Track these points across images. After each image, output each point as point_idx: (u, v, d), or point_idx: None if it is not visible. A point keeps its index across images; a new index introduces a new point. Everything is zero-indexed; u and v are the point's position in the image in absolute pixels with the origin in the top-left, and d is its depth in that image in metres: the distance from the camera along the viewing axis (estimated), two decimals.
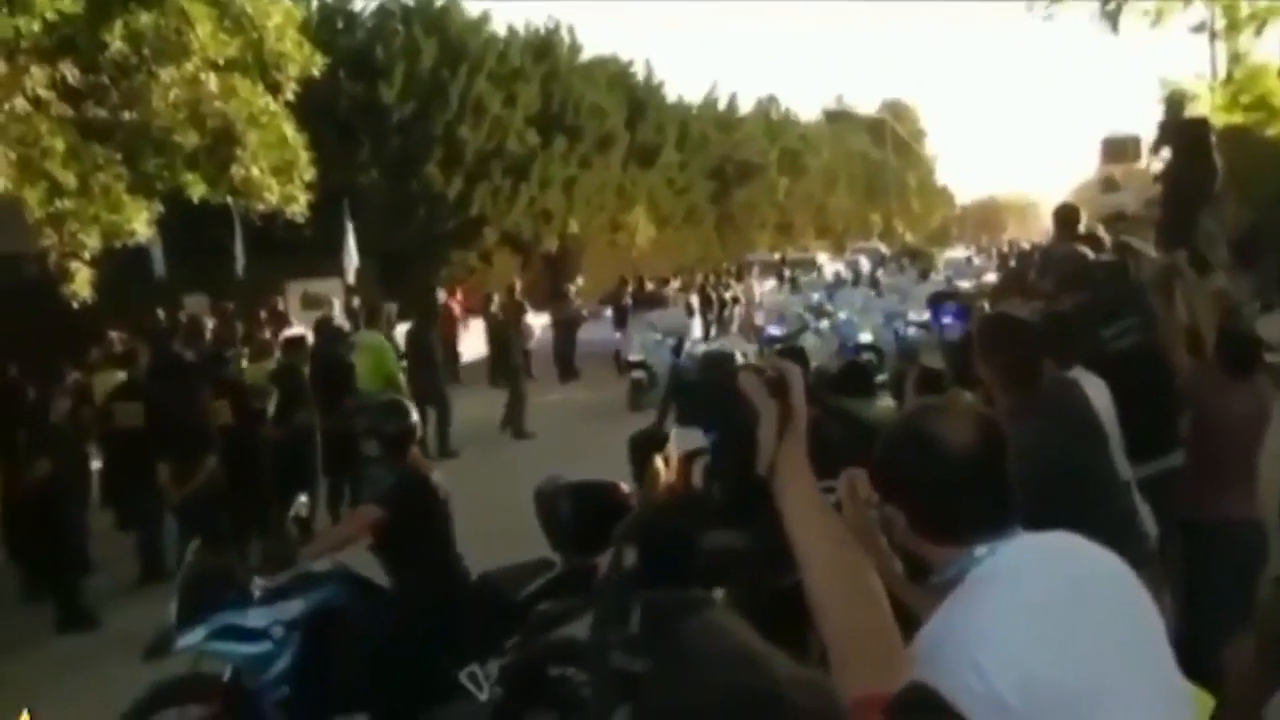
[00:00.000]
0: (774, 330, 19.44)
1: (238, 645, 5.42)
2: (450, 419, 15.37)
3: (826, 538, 1.80)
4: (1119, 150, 21.17)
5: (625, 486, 5.93)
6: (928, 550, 2.21)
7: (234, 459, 9.43)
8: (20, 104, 12.27)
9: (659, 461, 5.83)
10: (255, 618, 5.44)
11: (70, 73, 12.81)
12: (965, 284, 23.14)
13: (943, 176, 69.33)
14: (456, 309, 22.45)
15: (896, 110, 63.40)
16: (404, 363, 16.70)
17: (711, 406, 1.83)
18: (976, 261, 31.57)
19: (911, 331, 18.59)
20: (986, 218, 65.68)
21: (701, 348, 16.61)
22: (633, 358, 18.21)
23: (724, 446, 1.85)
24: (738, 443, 1.80)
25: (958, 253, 37.31)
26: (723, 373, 1.84)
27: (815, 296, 22.32)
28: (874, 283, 25.70)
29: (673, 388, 9.10)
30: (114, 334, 14.37)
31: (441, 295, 22.44)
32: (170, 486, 9.42)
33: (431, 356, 15.56)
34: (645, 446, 6.13)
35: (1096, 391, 4.13)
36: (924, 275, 21.68)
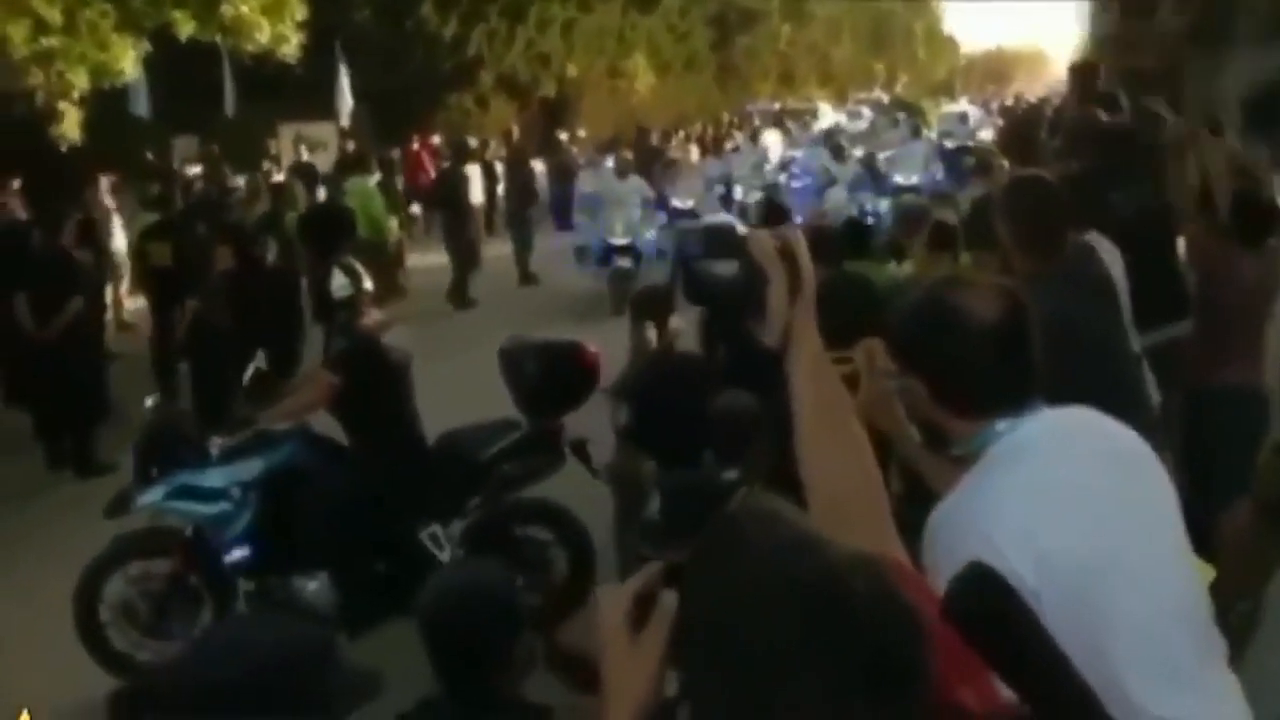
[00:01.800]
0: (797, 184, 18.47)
1: (196, 505, 5.43)
2: (474, 268, 15.22)
3: (830, 404, 1.76)
4: (1138, 4, 20.70)
5: (591, 348, 5.89)
6: (948, 422, 2.20)
7: (237, 303, 9.33)
8: None
9: (650, 326, 5.79)
10: (213, 478, 5.43)
11: None
12: (953, 145, 22.48)
13: (950, 25, 67.93)
14: (427, 157, 22.03)
15: None
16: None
17: (718, 280, 1.76)
18: (975, 115, 30.48)
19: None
20: (994, 69, 64.71)
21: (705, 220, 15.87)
22: (615, 241, 14.35)
23: (730, 313, 1.80)
24: (745, 310, 1.75)
25: (956, 107, 36.17)
26: (728, 245, 1.78)
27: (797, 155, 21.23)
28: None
29: (677, 263, 9.09)
30: (104, 177, 14.15)
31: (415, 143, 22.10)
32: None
33: (457, 201, 15.32)
34: (647, 306, 6.09)
35: (1111, 257, 4.06)
36: (915, 133, 21.02)
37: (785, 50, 46.17)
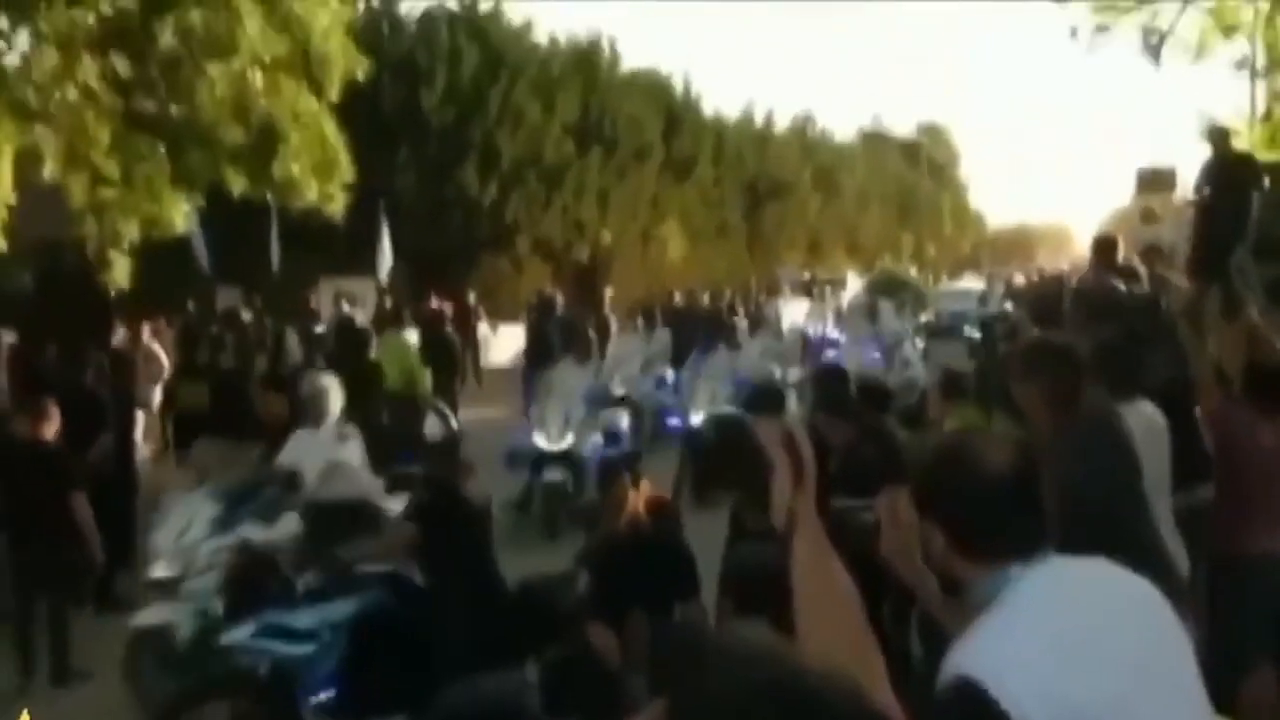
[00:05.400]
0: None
1: (284, 645, 5.44)
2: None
3: (834, 587, 1.85)
4: (1156, 182, 21.12)
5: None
6: (963, 569, 2.28)
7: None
8: (71, 94, 12.50)
9: (627, 485, 5.89)
10: (303, 618, 5.47)
11: (121, 65, 13.04)
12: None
13: (975, 201, 68.98)
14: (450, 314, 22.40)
15: (932, 133, 63.22)
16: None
17: (732, 469, 1.89)
18: (986, 290, 28.93)
19: None
20: (1018, 244, 65.50)
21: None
22: (541, 443, 10.87)
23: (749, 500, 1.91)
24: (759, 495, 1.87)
25: (964, 284, 34.52)
26: (740, 434, 1.90)
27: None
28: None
29: (689, 455, 9.18)
30: (147, 324, 14.54)
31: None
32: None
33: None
34: (615, 468, 6.24)
35: (1150, 420, 4.14)
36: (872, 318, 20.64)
37: (815, 220, 46.99)
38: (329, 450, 7.14)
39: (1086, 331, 5.53)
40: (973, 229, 67.54)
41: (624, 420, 11.94)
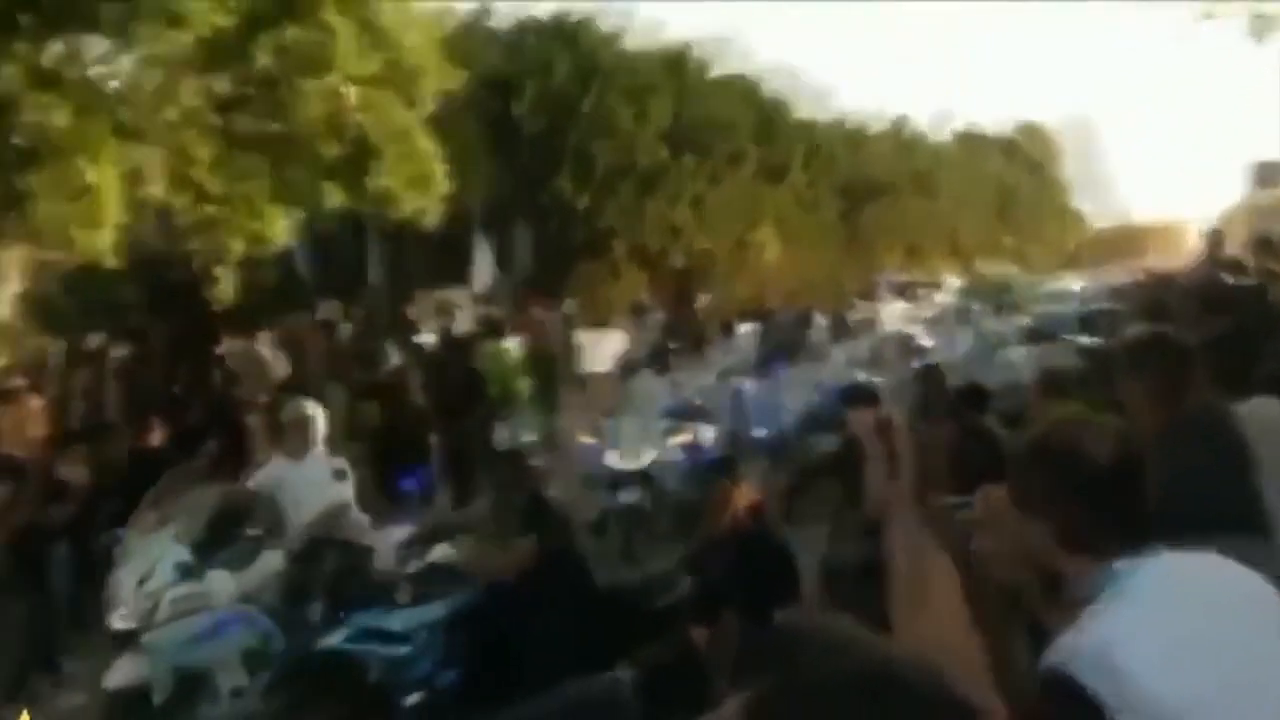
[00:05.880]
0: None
1: (379, 648, 5.52)
2: None
3: (932, 576, 1.81)
4: (1269, 175, 20.57)
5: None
6: (1066, 564, 2.21)
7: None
8: (172, 114, 12.80)
9: (730, 490, 5.88)
10: (399, 621, 5.55)
11: (219, 84, 13.34)
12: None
13: (1078, 200, 67.52)
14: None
15: (1030, 132, 62.11)
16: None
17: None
18: (1094, 289, 27.75)
19: None
20: (1125, 242, 64.04)
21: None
22: (615, 463, 10.38)
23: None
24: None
25: (1066, 283, 32.78)
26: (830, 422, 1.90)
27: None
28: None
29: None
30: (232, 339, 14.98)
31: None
32: None
33: None
34: (716, 470, 6.22)
35: (1267, 413, 3.99)
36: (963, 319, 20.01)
37: (912, 222, 46.47)
38: (324, 489, 6.75)
39: (1197, 325, 5.37)
40: (1076, 228, 66.18)
41: (708, 433, 11.12)
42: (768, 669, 1.33)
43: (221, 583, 6.15)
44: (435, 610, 5.65)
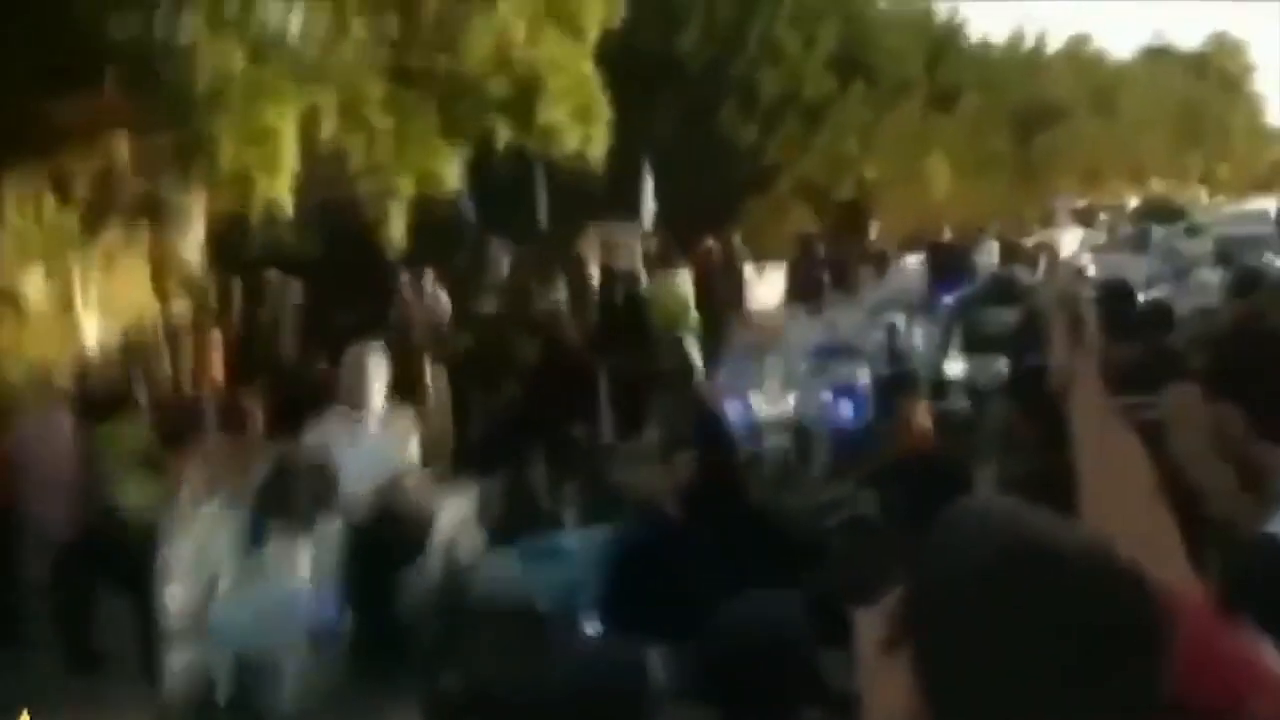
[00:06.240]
0: None
1: (548, 568, 5.60)
2: None
3: (1112, 448, 1.71)
4: None
5: None
6: (1269, 454, 2.08)
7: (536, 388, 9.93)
8: (346, 53, 13.10)
9: (914, 409, 5.77)
10: (565, 541, 5.63)
11: (389, 23, 13.57)
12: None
13: (1273, 116, 64.20)
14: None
15: (1222, 44, 59.08)
16: None
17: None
18: (1268, 210, 26.08)
19: None
20: None
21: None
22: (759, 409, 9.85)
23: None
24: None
25: (1256, 204, 29.80)
26: (1011, 293, 1.84)
27: None
28: None
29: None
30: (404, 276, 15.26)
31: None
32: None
33: None
34: (894, 388, 6.13)
35: None
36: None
37: (1091, 145, 44.84)
38: (386, 451, 6.17)
39: None
40: (1270, 147, 62.96)
41: (861, 375, 10.37)
42: (922, 548, 1.26)
43: (284, 555, 5.65)
44: (601, 533, 5.68)
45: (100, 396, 9.53)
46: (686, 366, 6.14)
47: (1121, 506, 1.64)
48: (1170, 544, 1.63)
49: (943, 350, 10.03)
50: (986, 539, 1.16)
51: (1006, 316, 8.60)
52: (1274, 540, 1.82)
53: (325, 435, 6.24)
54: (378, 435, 6.25)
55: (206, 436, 7.63)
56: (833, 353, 10.92)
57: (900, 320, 12.33)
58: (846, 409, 9.76)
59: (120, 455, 7.90)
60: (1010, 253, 21.88)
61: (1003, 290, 9.80)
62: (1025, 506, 1.23)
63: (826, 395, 10.03)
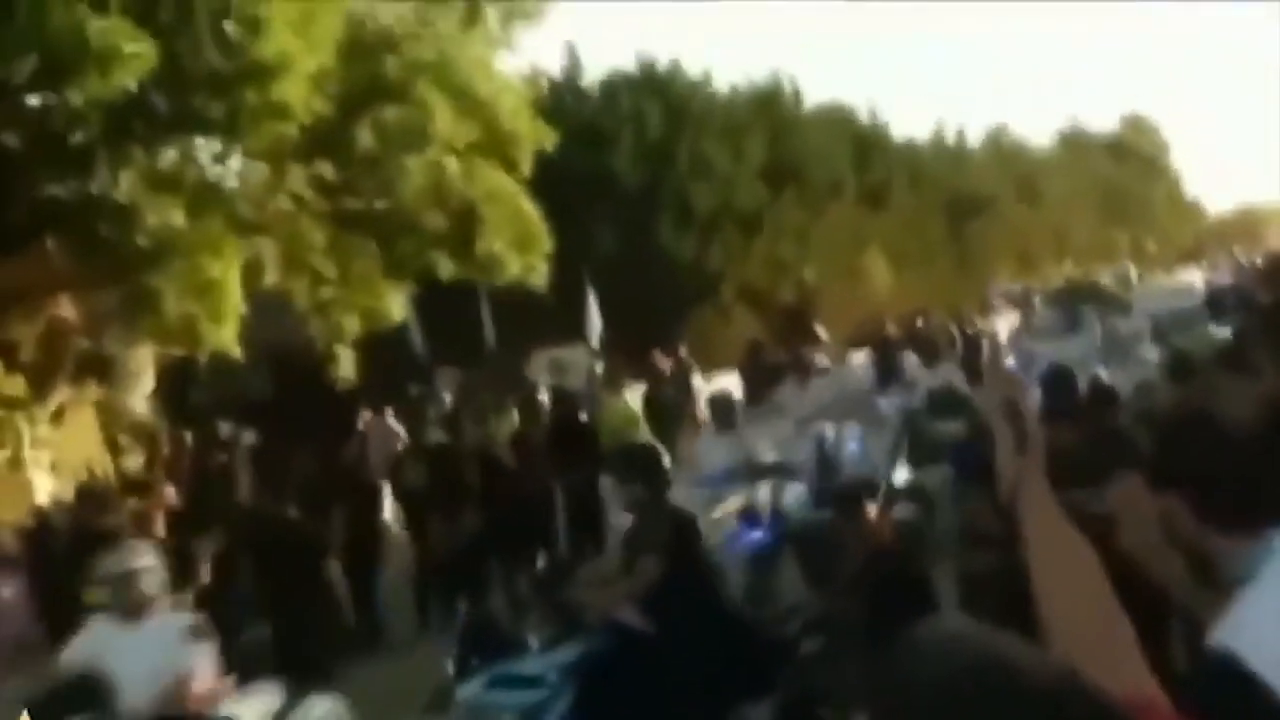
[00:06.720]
0: None
1: (515, 693, 5.59)
2: None
3: (1062, 547, 1.76)
4: None
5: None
6: (1216, 543, 2.11)
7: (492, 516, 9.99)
8: (283, 203, 13.25)
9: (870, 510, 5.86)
10: (531, 665, 5.62)
11: (325, 169, 13.77)
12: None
13: (1192, 190, 65.86)
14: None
15: (1136, 125, 60.81)
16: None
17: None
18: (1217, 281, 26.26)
19: None
20: (1244, 229, 62.22)
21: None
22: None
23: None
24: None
25: (1184, 278, 30.63)
26: (954, 404, 1.89)
27: None
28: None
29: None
30: (365, 412, 15.27)
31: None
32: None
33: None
34: (851, 497, 6.18)
35: None
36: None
37: (1020, 231, 45.75)
38: (168, 653, 5.36)
39: None
40: (1192, 219, 64.53)
41: (780, 494, 9.66)
42: (884, 667, 1.31)
43: None
44: (567, 653, 5.67)
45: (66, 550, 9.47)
46: (658, 473, 6.09)
47: (1075, 610, 1.69)
48: (1126, 647, 1.67)
49: (893, 459, 9.92)
50: (951, 662, 1.20)
51: (952, 427, 8.37)
52: (1218, 654, 1.87)
53: (91, 645, 5.45)
54: (156, 641, 5.43)
55: None
56: (732, 477, 10.15)
57: (829, 430, 11.54)
58: (752, 537, 9.01)
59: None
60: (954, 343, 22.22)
61: (946, 401, 9.45)
62: (989, 631, 1.26)
63: (730, 526, 9.27)
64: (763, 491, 9.51)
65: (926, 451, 9.60)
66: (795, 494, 9.68)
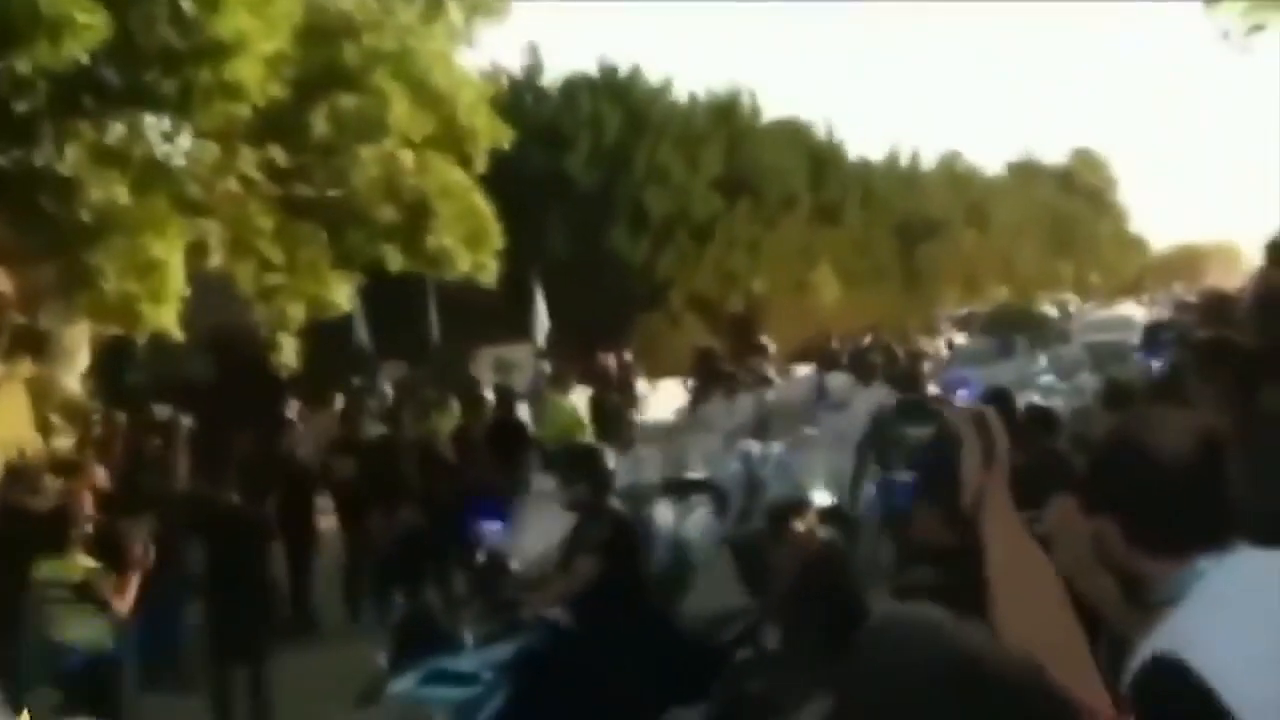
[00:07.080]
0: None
1: (448, 689, 5.55)
2: None
3: (1023, 561, 1.79)
4: None
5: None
6: (1145, 565, 2.13)
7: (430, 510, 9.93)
8: (232, 185, 13.09)
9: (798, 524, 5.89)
10: (466, 662, 5.58)
11: (277, 154, 13.62)
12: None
13: (1137, 225, 66.96)
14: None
15: (1085, 159, 61.74)
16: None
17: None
18: (1153, 315, 26.62)
19: None
20: (1185, 265, 63.28)
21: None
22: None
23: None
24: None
25: (1122, 310, 30.79)
26: (925, 412, 1.92)
27: None
28: None
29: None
30: (297, 403, 15.12)
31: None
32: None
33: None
34: (783, 514, 6.18)
35: None
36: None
37: (969, 256, 46.26)
38: None
39: (1262, 331, 5.29)
40: (1135, 254, 65.61)
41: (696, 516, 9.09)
42: (850, 661, 1.30)
43: None
44: (502, 651, 5.64)
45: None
46: (601, 474, 6.09)
47: (1035, 621, 1.71)
48: (1081, 655, 1.69)
49: (859, 475, 9.85)
50: (915, 657, 1.20)
51: (919, 434, 8.31)
52: (1175, 665, 1.88)
53: None
54: None
55: None
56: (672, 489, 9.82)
57: (755, 447, 11.37)
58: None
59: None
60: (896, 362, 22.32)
61: (914, 410, 9.31)
62: (950, 620, 1.26)
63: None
64: (662, 513, 8.83)
65: (894, 456, 9.47)
66: (698, 522, 8.93)
